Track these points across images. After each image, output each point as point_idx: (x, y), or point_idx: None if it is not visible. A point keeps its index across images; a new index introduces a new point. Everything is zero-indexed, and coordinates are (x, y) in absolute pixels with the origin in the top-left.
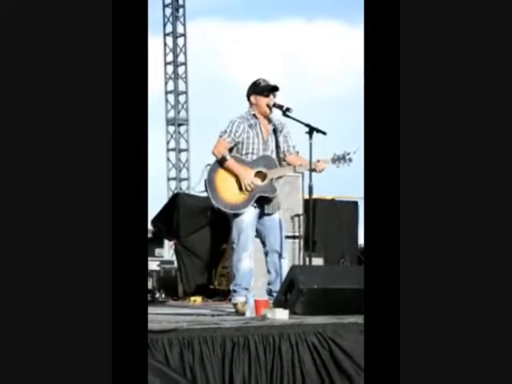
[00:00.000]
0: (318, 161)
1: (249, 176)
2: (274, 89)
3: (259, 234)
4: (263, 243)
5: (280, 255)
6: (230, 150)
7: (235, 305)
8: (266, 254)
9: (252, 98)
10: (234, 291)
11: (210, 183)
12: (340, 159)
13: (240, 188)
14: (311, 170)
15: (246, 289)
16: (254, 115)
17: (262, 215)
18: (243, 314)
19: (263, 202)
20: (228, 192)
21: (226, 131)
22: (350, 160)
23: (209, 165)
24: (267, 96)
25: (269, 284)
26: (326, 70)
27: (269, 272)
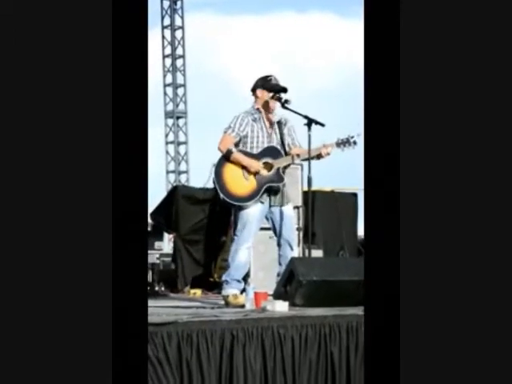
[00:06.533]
0: (324, 145)
1: (255, 163)
2: (283, 90)
3: (272, 227)
4: (275, 235)
5: (291, 247)
6: (236, 144)
7: (226, 297)
8: (279, 245)
9: (258, 92)
10: (226, 282)
11: (217, 177)
12: (344, 143)
13: (247, 179)
14: (310, 159)
15: (239, 281)
16: (258, 109)
17: (272, 208)
18: (234, 306)
19: (272, 195)
20: (235, 185)
21: (230, 126)
22: (355, 143)
23: (214, 165)
24: (280, 99)
25: (278, 275)
26: (320, 62)
27: (280, 264)
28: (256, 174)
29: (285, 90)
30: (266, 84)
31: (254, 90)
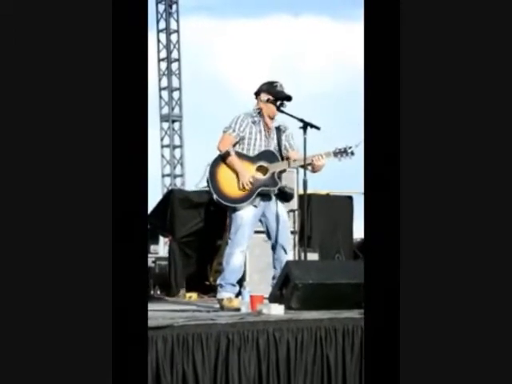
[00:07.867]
0: (322, 156)
1: (247, 174)
2: (287, 98)
3: (266, 231)
4: (269, 238)
5: (285, 251)
6: (235, 144)
7: (220, 300)
8: (273, 249)
9: (263, 96)
10: (221, 286)
11: (211, 176)
12: (342, 152)
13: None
14: (305, 165)
15: (233, 285)
16: (259, 113)
17: (266, 212)
18: (228, 309)
19: (266, 199)
20: (229, 185)
21: (230, 126)
22: (352, 153)
23: (209, 164)
24: (276, 102)
25: (273, 279)
26: (315, 66)
27: (274, 267)
28: (243, 184)
29: (289, 99)
30: (271, 89)
31: (257, 94)
